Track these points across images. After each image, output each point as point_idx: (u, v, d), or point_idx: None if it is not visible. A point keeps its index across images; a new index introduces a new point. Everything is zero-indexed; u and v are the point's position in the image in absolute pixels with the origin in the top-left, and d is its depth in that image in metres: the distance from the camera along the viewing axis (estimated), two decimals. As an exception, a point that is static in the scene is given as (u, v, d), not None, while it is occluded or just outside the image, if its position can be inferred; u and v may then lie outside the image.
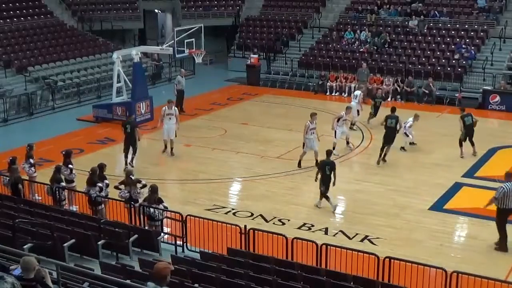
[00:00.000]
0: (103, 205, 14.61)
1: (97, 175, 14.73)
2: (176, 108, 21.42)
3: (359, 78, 28.83)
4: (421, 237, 14.77)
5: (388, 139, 19.70)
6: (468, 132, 20.35)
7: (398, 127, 19.91)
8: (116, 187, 14.72)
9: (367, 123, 23.91)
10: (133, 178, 14.75)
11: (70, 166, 15.89)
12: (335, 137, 20.60)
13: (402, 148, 21.01)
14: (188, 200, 16.82)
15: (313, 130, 19.16)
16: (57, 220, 12.95)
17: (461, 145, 20.43)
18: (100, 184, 14.57)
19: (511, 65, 28.64)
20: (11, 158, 15.93)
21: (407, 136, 21.05)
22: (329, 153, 16.50)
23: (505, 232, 14.11)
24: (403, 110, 26.65)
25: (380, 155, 19.66)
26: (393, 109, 20.51)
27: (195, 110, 26.01)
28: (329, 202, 16.07)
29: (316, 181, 16.17)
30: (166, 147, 20.80)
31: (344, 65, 30.80)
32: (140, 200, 14.30)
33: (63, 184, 15.33)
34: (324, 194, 16.06)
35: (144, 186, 14.58)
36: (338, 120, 20.68)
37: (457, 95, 27.45)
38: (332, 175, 15.99)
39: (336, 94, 29.44)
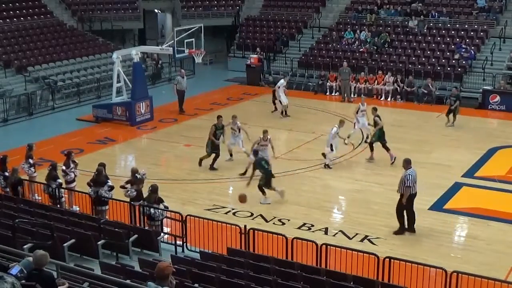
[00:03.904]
0: (108, 206, 14.63)
1: (103, 174, 14.73)
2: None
3: (341, 77, 28.81)
4: (421, 237, 14.77)
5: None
6: (382, 134, 19.86)
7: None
8: (122, 187, 14.71)
9: (446, 124, 23.83)
10: (139, 177, 14.75)
11: (64, 168, 15.83)
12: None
13: (326, 165, 19.38)
14: (188, 200, 16.82)
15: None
16: (57, 220, 12.95)
17: (372, 149, 19.90)
18: (110, 183, 14.58)
19: (511, 65, 28.64)
20: (1, 157, 15.92)
21: (332, 150, 19.19)
22: (256, 152, 17.22)
23: (403, 215, 14.76)
24: (403, 110, 26.86)
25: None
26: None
27: (195, 110, 26.01)
28: (265, 194, 16.68)
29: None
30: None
31: (350, 65, 30.69)
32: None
33: (59, 181, 15.32)
34: (261, 188, 16.71)
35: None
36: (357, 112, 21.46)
37: (457, 95, 27.45)
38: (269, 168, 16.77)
39: (336, 94, 29.40)
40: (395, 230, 14.82)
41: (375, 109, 20.38)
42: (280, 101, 25.38)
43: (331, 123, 24.06)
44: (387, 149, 19.70)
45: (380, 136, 19.81)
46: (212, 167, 19.13)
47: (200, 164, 19.34)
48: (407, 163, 14.74)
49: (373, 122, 20.06)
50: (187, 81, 26.83)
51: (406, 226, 14.89)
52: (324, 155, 19.53)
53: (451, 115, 23.79)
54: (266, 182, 16.67)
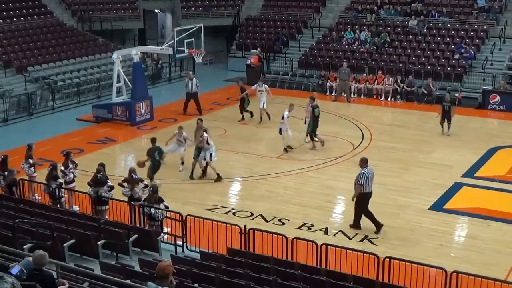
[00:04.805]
0: (108, 206, 14.64)
1: (103, 174, 14.75)
2: (266, 86, 24.92)
3: (340, 77, 28.79)
4: (421, 237, 14.78)
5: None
6: (316, 124, 20.81)
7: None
8: (120, 185, 14.80)
9: (442, 133, 22.63)
10: (135, 176, 14.78)
11: (63, 168, 15.83)
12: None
13: (288, 148, 20.80)
14: (188, 200, 16.82)
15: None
16: (57, 220, 12.95)
17: (312, 138, 20.98)
18: (110, 183, 14.59)
19: (511, 65, 28.63)
20: (2, 157, 15.92)
21: (280, 133, 20.72)
22: (153, 140, 17.76)
23: (370, 213, 14.84)
24: (403, 110, 26.88)
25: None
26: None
27: (195, 110, 25.98)
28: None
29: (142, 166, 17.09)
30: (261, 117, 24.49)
31: (349, 65, 30.70)
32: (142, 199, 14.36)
33: (60, 180, 15.33)
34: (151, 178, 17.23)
35: (146, 186, 14.63)
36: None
37: (457, 95, 27.44)
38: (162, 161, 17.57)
39: (336, 94, 29.39)
40: (376, 229, 14.92)
41: (312, 99, 21.42)
42: (259, 108, 24.44)
43: (331, 123, 24.16)
44: (312, 136, 21.00)
45: (313, 125, 20.82)
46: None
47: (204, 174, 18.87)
48: (363, 162, 14.87)
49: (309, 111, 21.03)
50: (199, 82, 26.09)
51: (352, 222, 15.06)
52: (287, 148, 20.74)
53: (445, 123, 22.55)
54: (151, 170, 17.26)
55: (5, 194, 15.20)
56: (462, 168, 19.25)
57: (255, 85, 24.96)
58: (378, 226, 14.86)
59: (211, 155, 18.25)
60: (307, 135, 21.26)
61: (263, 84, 24.86)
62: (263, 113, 24.42)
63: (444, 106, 22.61)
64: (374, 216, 14.86)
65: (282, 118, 20.53)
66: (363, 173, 14.63)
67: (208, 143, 18.14)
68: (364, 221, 15.37)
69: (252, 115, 24.88)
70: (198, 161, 18.54)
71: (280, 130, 20.69)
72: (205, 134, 18.32)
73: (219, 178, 18.34)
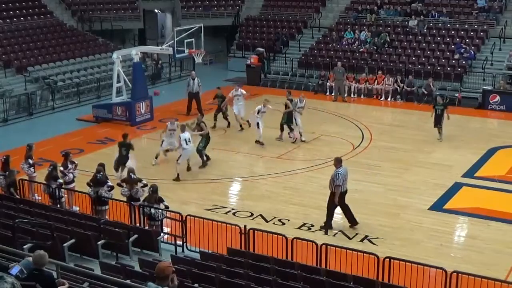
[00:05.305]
0: (108, 206, 14.64)
1: (103, 174, 14.76)
2: (242, 90, 23.85)
3: (335, 76, 28.79)
4: (421, 237, 14.78)
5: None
6: (290, 117, 21.58)
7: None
8: (119, 185, 14.81)
9: (439, 138, 21.94)
10: (133, 176, 14.79)
11: (62, 169, 15.82)
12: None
13: (258, 142, 21.48)
14: (188, 200, 16.83)
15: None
16: (57, 220, 12.96)
17: (282, 129, 21.76)
18: (110, 183, 14.60)
19: (511, 65, 28.62)
20: (4, 157, 15.92)
21: (258, 127, 21.29)
22: (125, 136, 18.46)
23: (333, 212, 15.11)
24: (403, 110, 26.89)
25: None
26: None
27: (195, 110, 25.97)
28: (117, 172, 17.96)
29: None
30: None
31: (343, 65, 30.74)
32: (141, 199, 14.36)
33: (60, 181, 15.33)
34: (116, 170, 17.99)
35: (145, 185, 14.65)
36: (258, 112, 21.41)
37: (457, 95, 27.46)
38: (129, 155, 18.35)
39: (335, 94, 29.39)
40: (322, 225, 15.12)
41: (289, 93, 22.30)
42: (234, 113, 23.32)
43: (331, 123, 24.17)
44: (291, 130, 21.74)
45: (288, 118, 21.60)
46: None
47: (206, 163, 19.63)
48: (338, 162, 14.99)
49: (285, 104, 21.64)
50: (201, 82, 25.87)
51: (349, 223, 15.13)
52: (258, 142, 21.43)
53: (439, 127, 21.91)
54: (116, 164, 18.04)
55: (5, 194, 15.20)
56: (462, 168, 19.25)
57: (232, 91, 23.60)
58: (327, 226, 15.01)
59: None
60: (282, 128, 21.84)
61: (239, 88, 23.52)
62: (240, 120, 23.28)
63: (436, 110, 21.99)
64: (333, 218, 15.06)
65: (258, 112, 21.20)
66: (339, 173, 14.74)
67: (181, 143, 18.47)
68: (364, 220, 15.41)
69: (229, 125, 23.72)
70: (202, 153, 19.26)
71: (258, 124, 21.20)
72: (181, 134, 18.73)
73: (177, 178, 18.41)
